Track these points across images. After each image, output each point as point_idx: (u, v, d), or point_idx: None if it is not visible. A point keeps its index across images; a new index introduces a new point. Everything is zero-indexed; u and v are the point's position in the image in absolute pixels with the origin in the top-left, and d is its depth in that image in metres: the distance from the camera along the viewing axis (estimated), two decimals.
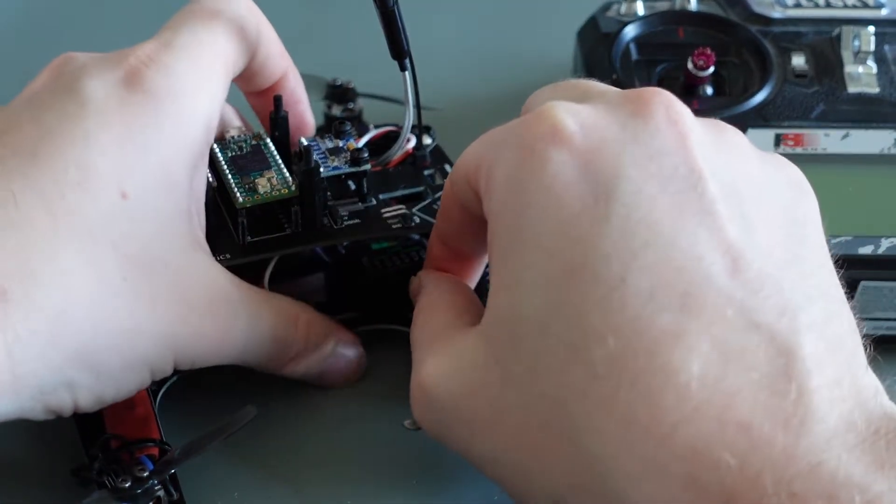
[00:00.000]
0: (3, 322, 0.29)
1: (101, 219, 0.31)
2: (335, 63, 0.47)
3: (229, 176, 0.37)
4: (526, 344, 0.28)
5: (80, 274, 0.30)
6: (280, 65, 0.39)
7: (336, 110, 0.46)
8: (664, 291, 0.26)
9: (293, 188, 0.37)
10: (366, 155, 0.39)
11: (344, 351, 0.38)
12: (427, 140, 0.42)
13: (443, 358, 0.31)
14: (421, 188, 0.40)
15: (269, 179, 0.37)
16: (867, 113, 0.43)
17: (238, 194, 0.36)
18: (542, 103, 0.30)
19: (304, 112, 0.41)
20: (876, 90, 0.43)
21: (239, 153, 0.38)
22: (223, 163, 0.37)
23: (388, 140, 0.41)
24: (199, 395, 0.38)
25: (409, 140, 0.41)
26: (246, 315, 0.35)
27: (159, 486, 0.33)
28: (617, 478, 0.26)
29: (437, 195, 0.40)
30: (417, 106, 0.39)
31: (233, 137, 0.38)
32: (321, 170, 0.37)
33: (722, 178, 0.28)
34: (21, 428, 0.34)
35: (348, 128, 0.40)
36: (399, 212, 0.39)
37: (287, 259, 0.38)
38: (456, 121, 0.43)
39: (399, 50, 0.37)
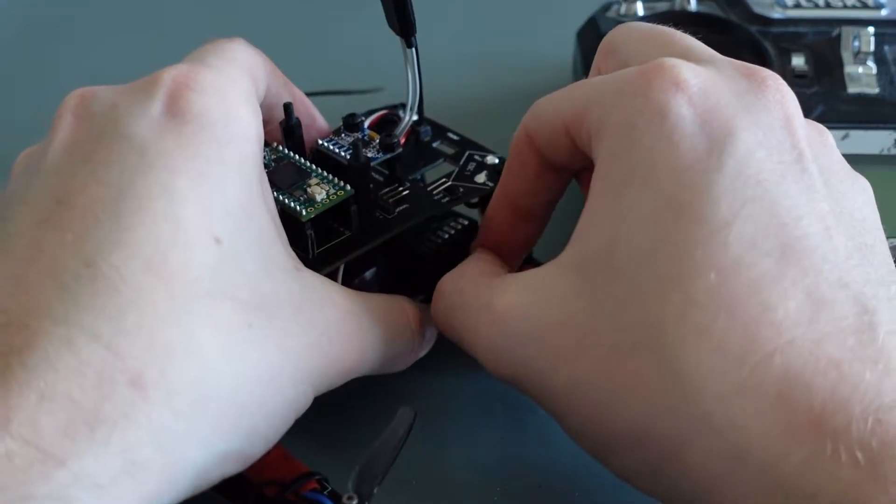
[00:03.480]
0: (148, 411, 0.26)
1: (207, 272, 0.29)
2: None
3: (276, 195, 0.36)
4: (625, 274, 0.29)
5: (208, 336, 0.28)
6: (289, 95, 0.38)
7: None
8: (766, 240, 0.28)
9: (348, 188, 0.36)
10: (396, 140, 0.39)
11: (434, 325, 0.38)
12: (415, 117, 0.41)
13: (521, 292, 0.32)
14: (441, 159, 0.41)
15: (319, 186, 0.36)
16: (867, 113, 0.43)
17: (299, 208, 0.36)
18: (648, 54, 0.32)
19: (323, 125, 0.40)
20: (876, 90, 0.44)
21: (267, 171, 0.37)
22: None
23: (383, 125, 0.41)
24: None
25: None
26: (368, 323, 0.34)
27: None
28: (706, 397, 0.27)
29: (463, 160, 0.40)
30: (420, 82, 0.39)
31: None
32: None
33: (819, 163, 0.30)
34: None
35: (359, 119, 0.40)
36: (444, 185, 0.39)
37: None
38: (456, 121, 0.43)
39: (406, 26, 0.36)
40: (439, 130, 0.42)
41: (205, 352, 0.28)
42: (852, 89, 0.44)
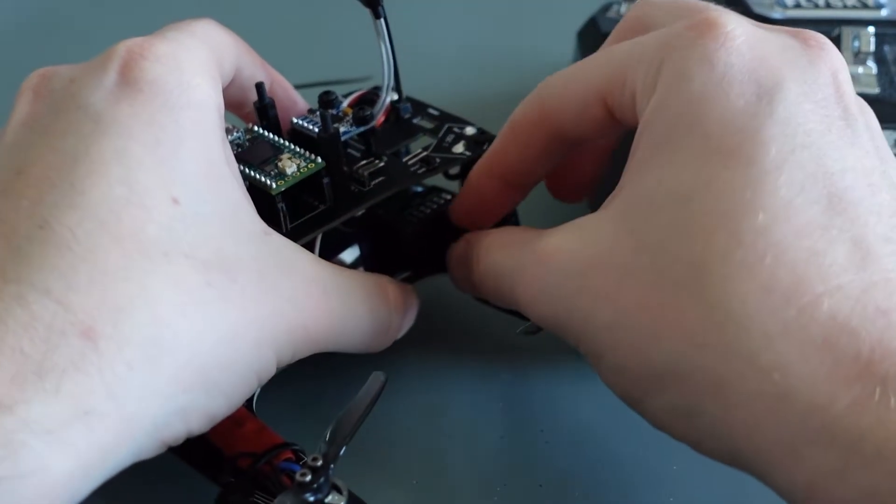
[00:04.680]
0: (99, 362, 0.27)
1: (164, 232, 0.29)
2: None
3: (247, 170, 0.36)
4: (668, 213, 0.29)
5: (163, 293, 0.29)
6: (266, 76, 0.39)
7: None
8: (814, 188, 0.28)
9: (319, 160, 0.37)
10: (369, 113, 0.39)
11: (415, 302, 0.38)
12: (394, 96, 0.41)
13: (566, 234, 0.32)
14: (420, 134, 0.41)
15: (290, 160, 0.36)
16: None
17: (269, 182, 0.36)
18: (687, 12, 0.32)
19: (303, 104, 0.41)
20: (876, 91, 0.43)
21: (240, 150, 0.37)
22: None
23: (363, 104, 0.41)
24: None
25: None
26: (337, 294, 0.34)
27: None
28: (751, 336, 0.27)
29: (442, 133, 0.40)
30: (393, 56, 0.38)
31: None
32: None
33: (867, 123, 0.31)
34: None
35: (334, 97, 0.40)
36: (420, 156, 0.39)
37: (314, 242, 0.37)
38: None
39: None
40: (419, 107, 0.42)
41: (160, 307, 0.28)
42: None
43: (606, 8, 0.49)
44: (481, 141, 0.40)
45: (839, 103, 0.30)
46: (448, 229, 0.39)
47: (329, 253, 0.38)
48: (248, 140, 0.38)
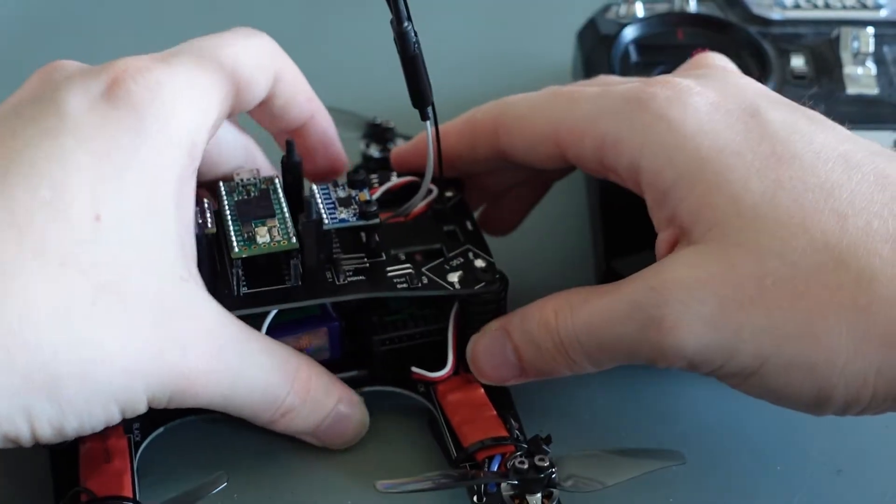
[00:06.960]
0: None
1: (70, 242, 0.30)
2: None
3: (229, 222, 0.36)
4: (764, 219, 0.32)
5: (41, 296, 0.29)
6: (305, 108, 0.38)
7: (374, 150, 0.45)
8: (841, 166, 0.33)
9: (293, 240, 0.35)
10: (375, 208, 0.37)
11: (346, 411, 0.37)
12: (448, 193, 0.40)
13: (682, 267, 0.33)
14: (437, 245, 0.38)
15: (269, 229, 0.36)
16: (866, 114, 0.43)
17: (235, 244, 0.35)
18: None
19: (338, 153, 0.40)
20: (875, 91, 0.44)
21: (245, 197, 0.37)
22: (226, 207, 0.36)
23: (411, 190, 0.39)
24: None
25: (430, 192, 0.39)
26: (234, 356, 0.33)
27: None
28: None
29: (451, 254, 0.38)
30: (439, 157, 0.38)
31: (242, 180, 0.37)
32: (326, 221, 0.36)
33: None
34: None
35: (363, 177, 0.38)
36: (406, 271, 0.37)
37: (289, 311, 0.36)
38: None
39: (421, 98, 0.36)
40: (462, 212, 0.40)
41: (31, 309, 0.29)
42: (852, 90, 0.44)
43: (606, 9, 0.49)
44: (481, 280, 0.37)
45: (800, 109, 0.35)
46: (420, 353, 0.38)
47: (296, 327, 0.37)
48: (260, 192, 0.37)
